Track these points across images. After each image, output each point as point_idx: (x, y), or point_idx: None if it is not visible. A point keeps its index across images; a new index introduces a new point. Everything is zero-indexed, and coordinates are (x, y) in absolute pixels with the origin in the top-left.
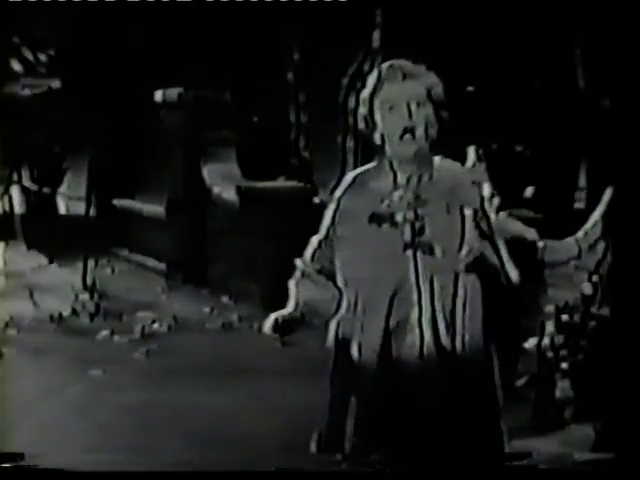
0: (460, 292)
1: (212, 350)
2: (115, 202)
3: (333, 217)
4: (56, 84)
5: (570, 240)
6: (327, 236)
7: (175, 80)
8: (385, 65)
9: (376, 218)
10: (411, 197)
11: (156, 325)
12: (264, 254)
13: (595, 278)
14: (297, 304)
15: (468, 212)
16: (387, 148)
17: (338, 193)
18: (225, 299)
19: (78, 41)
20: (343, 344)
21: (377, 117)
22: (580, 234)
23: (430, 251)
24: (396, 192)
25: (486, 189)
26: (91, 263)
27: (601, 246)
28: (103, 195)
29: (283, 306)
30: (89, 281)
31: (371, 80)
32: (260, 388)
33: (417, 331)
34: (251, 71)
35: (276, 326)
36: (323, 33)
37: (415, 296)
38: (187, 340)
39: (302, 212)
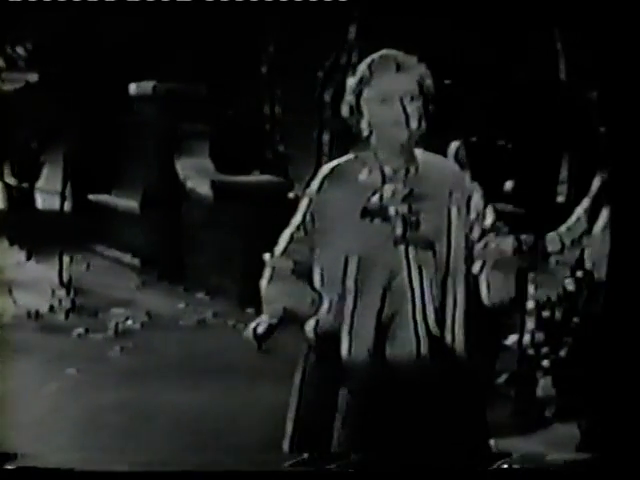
0: (449, 287)
1: (186, 348)
2: (91, 197)
3: (311, 211)
4: (34, 78)
5: (552, 235)
6: (304, 230)
7: (150, 73)
8: (377, 55)
9: (368, 212)
10: (404, 190)
11: (130, 322)
12: (239, 249)
13: (579, 274)
14: (275, 310)
15: (454, 210)
16: (373, 139)
17: (315, 185)
18: (200, 295)
19: (55, 35)
20: (324, 342)
21: (365, 108)
22: (563, 229)
23: (427, 245)
24: (387, 185)
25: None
26: (67, 259)
27: (586, 241)
28: (79, 190)
29: (258, 302)
30: (65, 277)
31: (361, 68)
32: (234, 386)
33: (411, 326)
34: (226, 64)
35: (255, 335)
36: (298, 26)
37: (408, 291)
38: (161, 337)
39: (277, 207)
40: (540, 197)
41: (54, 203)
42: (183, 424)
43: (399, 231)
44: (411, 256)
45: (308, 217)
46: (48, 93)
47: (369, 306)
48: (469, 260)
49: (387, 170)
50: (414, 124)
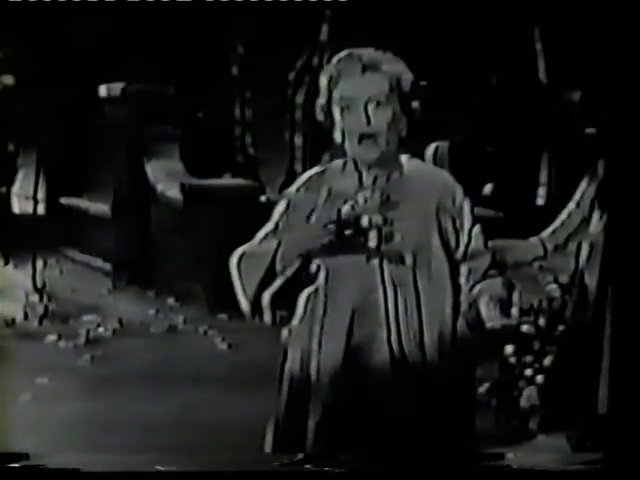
0: (430, 307)
1: (156, 356)
2: (63, 200)
3: (286, 215)
4: (9, 81)
5: (534, 240)
6: (275, 233)
7: (120, 74)
8: (343, 54)
9: (337, 222)
10: (379, 199)
11: (101, 329)
12: (209, 254)
13: (564, 279)
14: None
15: (441, 223)
16: (347, 148)
17: (292, 189)
18: (170, 301)
19: (28, 38)
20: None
21: (335, 113)
22: (546, 233)
23: (399, 260)
24: (361, 193)
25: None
26: (40, 264)
27: (572, 246)
28: (52, 193)
29: (229, 307)
30: (39, 282)
31: (329, 68)
32: (204, 396)
33: (386, 353)
34: (195, 65)
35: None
36: (269, 26)
37: (382, 312)
38: (132, 345)
39: (248, 210)
40: (520, 200)
41: (29, 207)
42: (152, 434)
43: (373, 243)
44: (386, 272)
45: (283, 220)
46: (23, 96)
47: (337, 327)
48: (453, 276)
49: (365, 177)
50: (381, 137)
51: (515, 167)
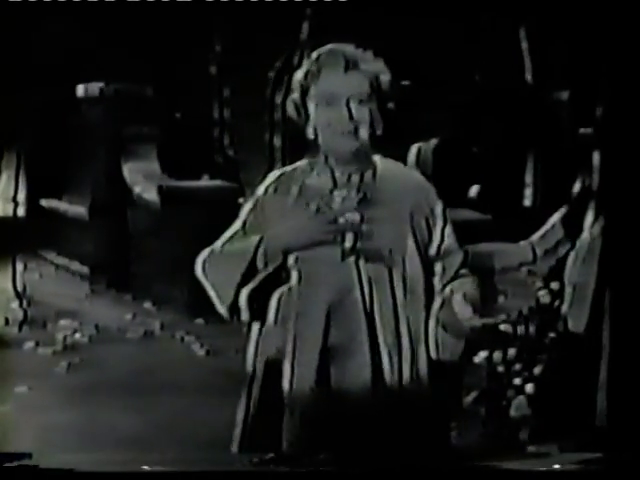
0: (401, 305)
1: (132, 363)
2: (43, 202)
3: (255, 214)
4: None
5: (524, 244)
6: (243, 232)
7: (98, 74)
8: (325, 49)
9: (312, 218)
10: (356, 197)
11: (78, 335)
12: (187, 257)
13: (555, 285)
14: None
15: (415, 223)
16: (321, 143)
17: (261, 189)
18: (147, 305)
19: (4, 38)
20: (266, 370)
21: (311, 108)
22: (536, 237)
23: (377, 259)
24: (337, 191)
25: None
26: (20, 267)
27: (563, 250)
28: (32, 195)
29: (207, 311)
30: (19, 287)
31: (308, 63)
32: (181, 404)
33: (366, 355)
34: (173, 65)
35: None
36: (248, 24)
37: (361, 311)
38: (108, 352)
39: (227, 213)
40: (507, 203)
41: (10, 209)
42: (128, 444)
43: (348, 243)
44: (362, 271)
45: (250, 220)
46: (2, 97)
47: (313, 327)
48: (427, 277)
49: (338, 175)
50: (363, 131)
51: (502, 168)
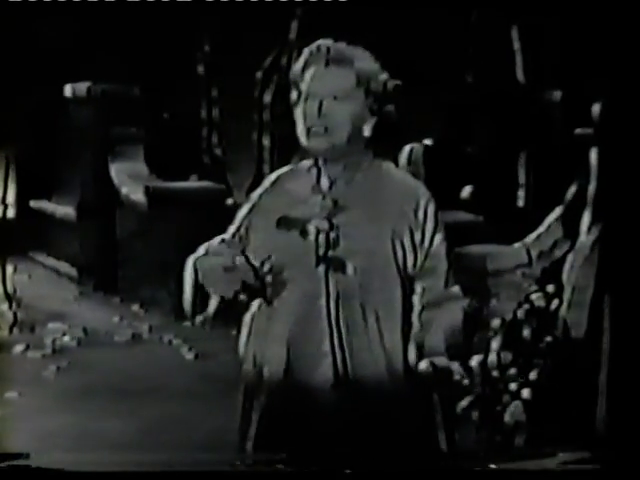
0: (371, 322)
1: (121, 366)
2: (32, 203)
3: (249, 218)
4: None
5: (518, 246)
6: (235, 237)
7: (86, 74)
8: (312, 45)
9: (284, 223)
10: (328, 203)
11: (67, 338)
12: (175, 259)
13: (551, 288)
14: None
15: (401, 233)
16: (306, 144)
17: (256, 193)
18: (135, 307)
19: None
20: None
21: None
22: (530, 239)
23: (341, 269)
24: (313, 196)
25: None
26: (10, 269)
27: (559, 252)
28: (22, 197)
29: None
30: (9, 288)
31: (300, 60)
32: (169, 408)
33: (328, 364)
34: (160, 64)
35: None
36: (236, 23)
37: (325, 323)
38: (96, 355)
39: (215, 214)
40: (500, 204)
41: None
42: (115, 452)
43: (321, 250)
44: (331, 282)
45: (245, 224)
46: None
47: (279, 334)
48: (405, 293)
49: (323, 180)
50: (337, 130)
51: (495, 169)
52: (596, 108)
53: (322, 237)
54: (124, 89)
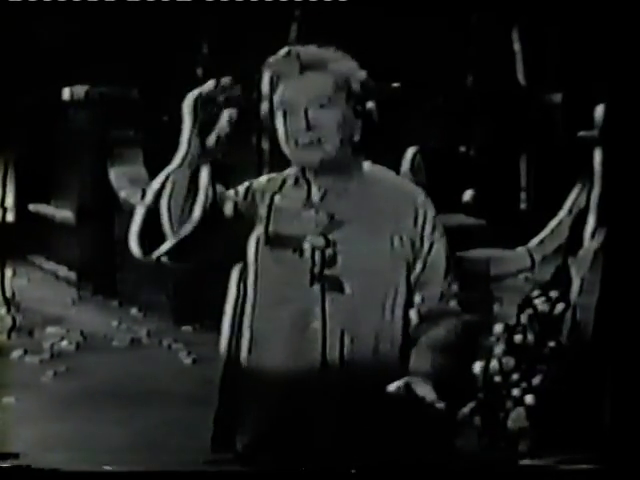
0: (378, 339)
1: (119, 371)
2: (31, 207)
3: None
4: None
5: (521, 250)
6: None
7: (84, 77)
8: (280, 53)
9: (276, 240)
10: (323, 218)
11: (65, 343)
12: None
13: (554, 293)
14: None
15: (397, 242)
16: (288, 155)
17: (232, 192)
18: (134, 311)
19: None
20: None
21: (276, 118)
22: (533, 243)
23: (338, 288)
24: (305, 212)
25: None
26: (9, 273)
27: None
28: (21, 200)
29: (193, 319)
30: (8, 292)
31: (267, 70)
32: (167, 414)
33: (324, 378)
34: (159, 67)
35: None
36: (235, 25)
37: (319, 345)
38: (94, 360)
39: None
40: (503, 207)
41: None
42: (115, 456)
43: (316, 268)
44: (327, 300)
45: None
46: None
47: (271, 357)
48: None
49: (314, 190)
50: (329, 139)
51: (496, 172)
52: (599, 110)
53: (317, 254)
54: (123, 92)
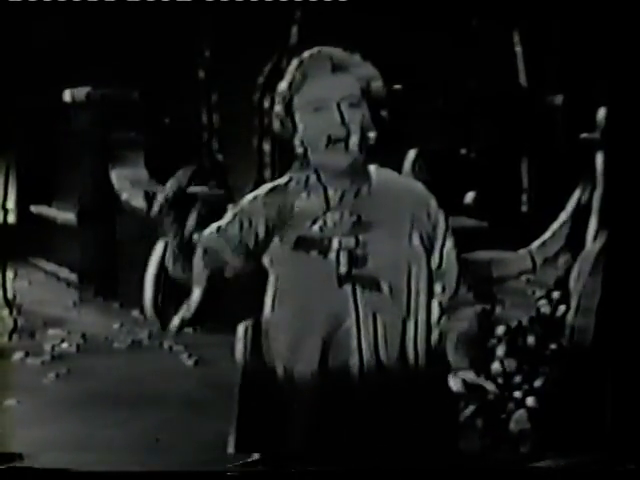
0: (410, 335)
1: (120, 373)
2: (32, 209)
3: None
4: None
5: (523, 252)
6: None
7: (86, 79)
8: (309, 53)
9: (304, 243)
10: (349, 219)
11: (66, 345)
12: None
13: (556, 295)
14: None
15: (417, 239)
16: (311, 158)
17: (246, 200)
18: (135, 313)
19: None
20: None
21: (297, 118)
22: (535, 245)
23: (375, 287)
24: (329, 214)
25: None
26: (11, 274)
27: (564, 259)
28: (22, 202)
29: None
30: (9, 294)
31: (291, 70)
32: (169, 416)
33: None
34: (160, 69)
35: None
36: (237, 28)
37: (355, 342)
38: (95, 362)
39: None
40: (504, 209)
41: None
42: (116, 457)
43: (344, 268)
44: (359, 299)
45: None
46: None
47: (305, 362)
48: (429, 298)
49: (331, 193)
50: (355, 139)
51: (498, 174)
52: (601, 112)
53: (344, 255)
54: (124, 94)
